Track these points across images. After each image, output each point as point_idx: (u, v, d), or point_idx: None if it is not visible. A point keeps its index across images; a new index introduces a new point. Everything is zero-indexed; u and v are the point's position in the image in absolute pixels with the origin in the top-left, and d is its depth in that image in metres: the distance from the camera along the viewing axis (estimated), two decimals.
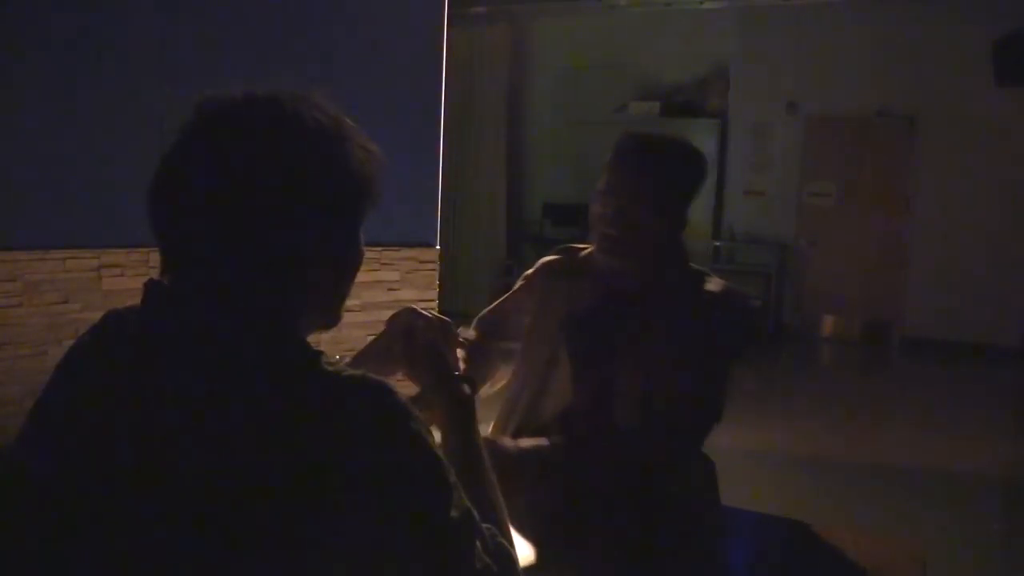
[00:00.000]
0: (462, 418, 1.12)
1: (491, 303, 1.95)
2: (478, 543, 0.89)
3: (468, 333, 1.76)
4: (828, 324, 8.42)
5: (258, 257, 0.87)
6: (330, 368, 0.88)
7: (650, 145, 1.73)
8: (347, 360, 1.30)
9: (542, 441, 1.66)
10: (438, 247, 4.64)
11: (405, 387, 0.96)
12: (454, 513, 0.86)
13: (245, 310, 0.87)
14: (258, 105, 0.91)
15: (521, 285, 1.92)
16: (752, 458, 4.87)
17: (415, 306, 1.32)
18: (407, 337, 1.25)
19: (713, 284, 1.74)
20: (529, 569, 1.29)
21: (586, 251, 1.86)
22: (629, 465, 1.60)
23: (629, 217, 1.68)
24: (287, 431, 0.82)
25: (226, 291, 0.87)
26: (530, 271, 1.93)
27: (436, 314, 1.31)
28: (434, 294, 4.58)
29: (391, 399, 0.87)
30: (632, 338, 1.68)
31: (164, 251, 0.90)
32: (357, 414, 0.85)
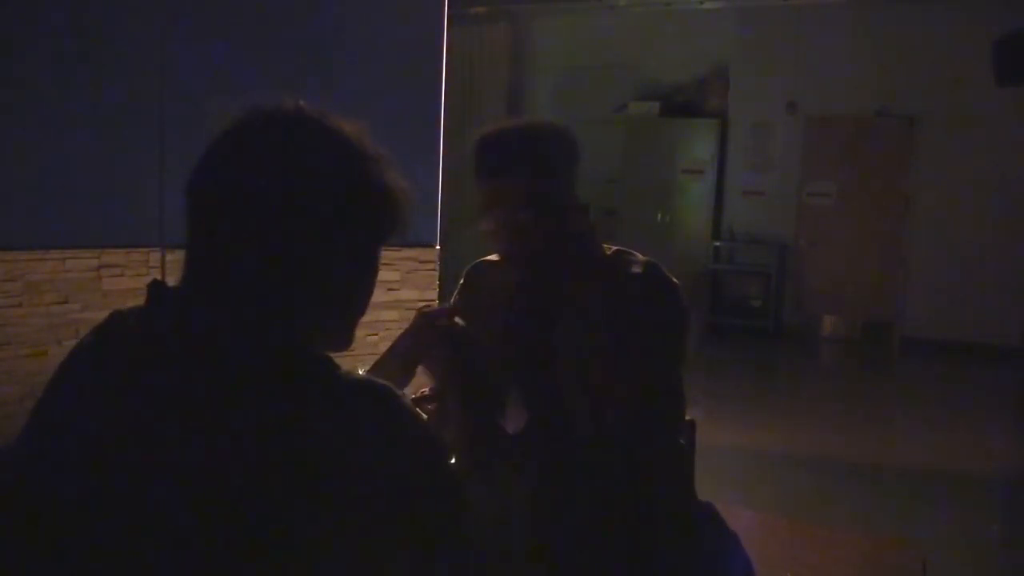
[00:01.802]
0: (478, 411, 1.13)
1: None
2: (475, 543, 0.89)
3: None
4: (828, 324, 8.42)
5: (276, 265, 0.88)
6: (338, 373, 0.88)
7: (498, 142, 1.59)
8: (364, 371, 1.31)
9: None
10: (438, 247, 4.63)
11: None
12: (461, 517, 0.87)
13: (254, 314, 0.87)
14: (304, 124, 0.91)
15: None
16: (752, 458, 4.87)
17: (424, 310, 1.33)
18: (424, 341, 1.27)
19: (636, 266, 1.65)
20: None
21: (497, 262, 1.77)
22: (592, 468, 1.57)
23: (518, 223, 1.57)
24: (293, 434, 0.82)
25: (238, 295, 0.87)
26: (455, 297, 1.82)
27: (447, 317, 1.32)
28: (434, 294, 4.58)
29: (398, 403, 0.87)
30: (567, 339, 1.64)
31: (188, 248, 0.90)
32: (364, 418, 0.85)
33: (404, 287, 4.41)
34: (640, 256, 1.67)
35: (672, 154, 8.70)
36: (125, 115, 3.71)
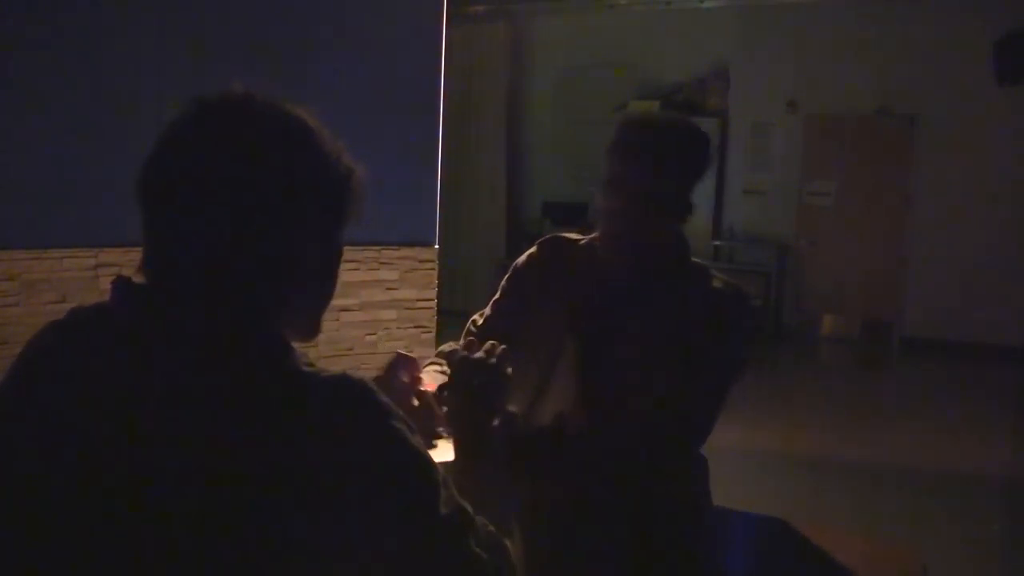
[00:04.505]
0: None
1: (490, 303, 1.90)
2: (471, 538, 0.88)
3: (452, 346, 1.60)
4: (828, 324, 8.40)
5: (237, 256, 0.86)
6: (309, 368, 0.86)
7: (654, 131, 1.63)
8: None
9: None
10: (437, 246, 4.63)
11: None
12: (443, 510, 0.86)
13: (222, 308, 0.86)
14: (254, 108, 0.90)
15: (514, 278, 1.82)
16: (752, 458, 4.86)
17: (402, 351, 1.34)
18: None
19: (718, 280, 1.67)
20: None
21: (581, 241, 1.79)
22: (627, 465, 1.57)
23: (636, 211, 1.60)
24: (265, 429, 0.81)
25: (204, 288, 0.86)
26: (520, 262, 1.83)
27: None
28: (433, 293, 4.57)
29: (371, 397, 0.86)
30: (637, 333, 1.64)
31: (145, 243, 0.89)
32: (336, 412, 0.83)
33: (403, 286, 4.40)
34: (724, 277, 1.69)
35: None
36: (123, 115, 3.71)
